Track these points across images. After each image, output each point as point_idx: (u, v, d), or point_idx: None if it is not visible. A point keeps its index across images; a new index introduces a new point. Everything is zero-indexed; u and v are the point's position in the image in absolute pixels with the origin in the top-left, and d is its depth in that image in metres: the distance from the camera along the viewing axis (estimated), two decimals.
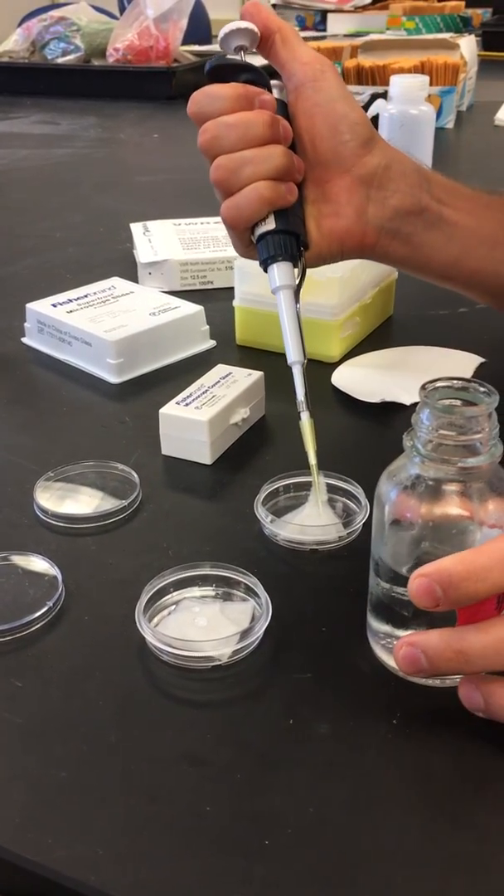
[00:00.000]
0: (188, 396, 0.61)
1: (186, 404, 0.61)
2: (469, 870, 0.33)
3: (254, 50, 0.56)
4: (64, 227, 1.18)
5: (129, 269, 0.94)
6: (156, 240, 0.96)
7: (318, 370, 0.72)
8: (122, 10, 2.56)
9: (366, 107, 1.29)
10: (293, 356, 0.52)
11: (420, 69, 1.69)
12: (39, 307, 0.78)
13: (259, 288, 0.74)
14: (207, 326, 0.78)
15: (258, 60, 0.57)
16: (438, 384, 0.40)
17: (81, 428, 0.66)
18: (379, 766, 0.37)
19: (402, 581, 0.38)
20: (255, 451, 0.62)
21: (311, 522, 0.52)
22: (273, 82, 0.56)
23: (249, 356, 0.76)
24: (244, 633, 0.43)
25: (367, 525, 0.49)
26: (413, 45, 1.92)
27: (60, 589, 0.48)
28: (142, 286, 0.86)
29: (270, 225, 0.53)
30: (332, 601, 0.47)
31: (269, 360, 0.70)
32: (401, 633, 0.40)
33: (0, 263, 1.03)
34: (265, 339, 0.75)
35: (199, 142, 0.53)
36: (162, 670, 0.43)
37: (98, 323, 0.74)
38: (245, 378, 0.64)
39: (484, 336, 0.77)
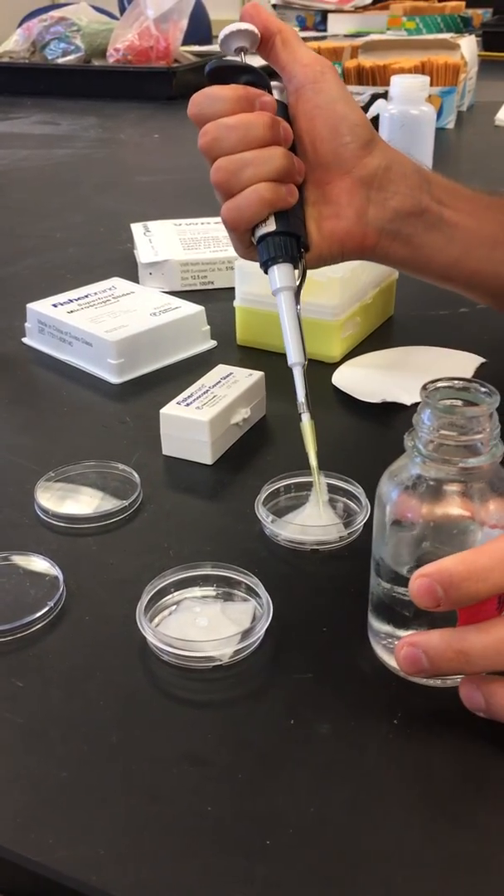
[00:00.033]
0: (189, 396, 0.61)
1: (187, 404, 0.61)
2: (469, 870, 0.33)
3: (254, 51, 0.56)
4: (64, 227, 1.18)
5: (129, 270, 0.94)
6: (156, 240, 0.96)
7: (319, 370, 0.72)
8: (123, 10, 2.57)
9: (366, 107, 1.29)
10: (294, 357, 0.52)
11: (420, 69, 1.69)
12: (40, 307, 0.78)
13: (260, 288, 0.74)
14: (208, 326, 0.78)
15: (258, 62, 0.57)
16: (439, 384, 0.40)
17: (82, 428, 0.66)
18: (380, 766, 0.37)
19: (403, 581, 0.38)
20: (255, 451, 0.62)
21: (312, 522, 0.52)
22: (273, 84, 0.56)
23: (250, 356, 0.76)
24: (245, 634, 0.43)
25: (368, 525, 0.49)
26: (413, 45, 1.92)
27: (61, 589, 0.48)
28: (142, 286, 0.86)
29: (271, 226, 0.53)
30: (333, 601, 0.47)
31: (269, 361, 0.70)
32: (402, 633, 0.41)
33: (1, 263, 1.03)
34: (266, 340, 0.75)
35: (200, 143, 0.53)
36: (163, 670, 0.43)
37: (99, 323, 0.74)
38: (246, 378, 0.64)
39: (484, 336, 0.77)
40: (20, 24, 2.48)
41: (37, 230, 1.17)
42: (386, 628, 0.42)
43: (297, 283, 0.54)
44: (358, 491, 0.54)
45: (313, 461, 0.50)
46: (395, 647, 0.39)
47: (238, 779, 0.37)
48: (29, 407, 0.71)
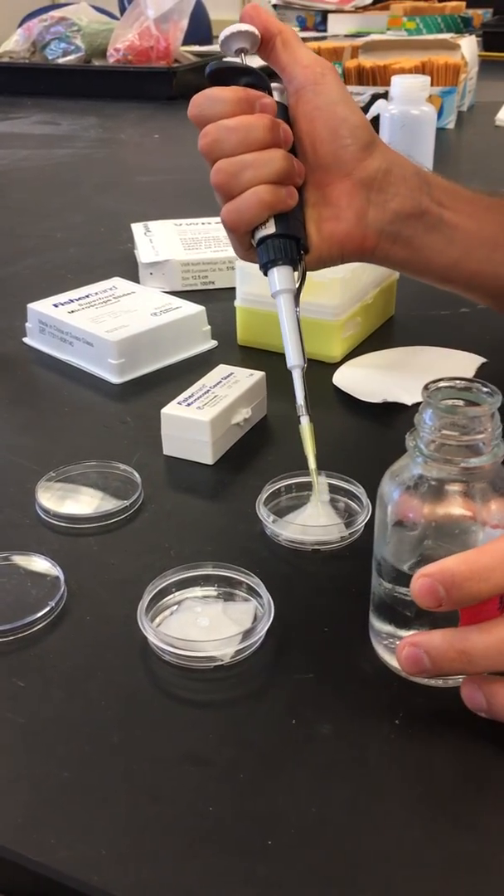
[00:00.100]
0: (190, 397, 0.61)
1: (188, 404, 0.61)
2: (470, 870, 0.33)
3: (254, 52, 0.56)
4: (65, 227, 1.18)
5: (130, 270, 0.94)
6: (157, 240, 0.96)
7: (320, 370, 0.72)
8: (123, 10, 2.57)
9: (367, 107, 1.29)
10: (293, 360, 0.52)
11: (421, 69, 1.69)
12: (41, 307, 0.78)
13: (260, 288, 0.74)
14: (209, 327, 0.78)
15: (258, 62, 0.57)
16: (441, 384, 0.40)
17: (83, 428, 0.66)
18: (381, 766, 0.37)
19: (405, 581, 0.38)
20: (256, 451, 0.62)
21: (313, 523, 0.52)
22: (273, 85, 0.56)
23: (251, 356, 0.76)
24: (246, 634, 0.43)
25: (369, 525, 0.49)
26: (414, 45, 1.92)
27: (62, 589, 0.48)
28: (143, 286, 0.86)
29: (271, 229, 0.53)
30: (335, 601, 0.47)
31: (270, 361, 0.70)
32: (403, 633, 0.40)
33: (1, 264, 1.03)
34: (266, 340, 0.75)
35: (200, 145, 0.53)
36: (164, 670, 0.43)
37: (99, 323, 0.74)
38: (247, 378, 0.64)
39: (485, 336, 0.77)
40: (20, 24, 2.48)
41: (37, 230, 1.17)
42: (387, 628, 0.42)
43: (297, 285, 0.54)
44: (359, 491, 0.54)
45: (312, 464, 0.50)
46: (396, 648, 0.39)
47: (239, 779, 0.37)
48: (30, 407, 0.71)
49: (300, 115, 0.55)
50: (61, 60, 2.28)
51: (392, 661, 0.42)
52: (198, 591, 0.48)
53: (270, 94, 0.55)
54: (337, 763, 0.37)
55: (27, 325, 0.80)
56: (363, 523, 0.52)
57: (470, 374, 0.71)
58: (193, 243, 0.95)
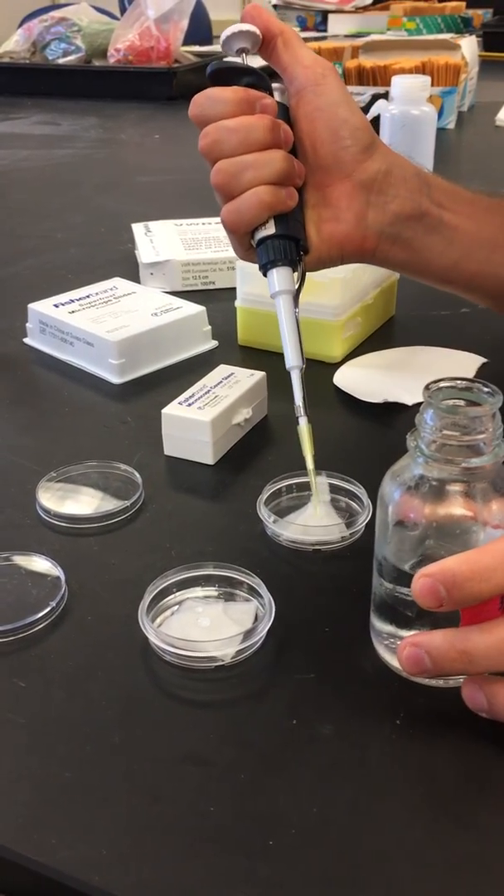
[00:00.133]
0: (190, 397, 0.62)
1: (189, 405, 0.61)
2: (472, 870, 0.33)
3: (255, 52, 0.56)
4: (65, 227, 1.18)
5: (130, 270, 0.94)
6: (157, 240, 0.96)
7: (321, 370, 0.72)
8: (123, 10, 2.57)
9: (367, 107, 1.29)
10: (292, 361, 0.51)
11: (421, 70, 1.69)
12: (41, 307, 0.78)
13: (261, 288, 0.74)
14: (209, 327, 0.78)
15: (259, 62, 0.57)
16: (442, 384, 0.40)
17: (84, 428, 0.66)
18: (382, 766, 0.37)
19: (406, 581, 0.38)
20: (257, 451, 0.62)
21: (314, 523, 0.52)
22: (274, 85, 0.56)
23: (251, 356, 0.76)
24: (247, 634, 0.43)
25: (370, 525, 0.49)
26: (414, 45, 1.92)
27: (63, 589, 0.48)
28: (143, 286, 0.86)
29: (270, 229, 0.53)
30: (335, 601, 0.47)
31: (271, 361, 0.70)
32: (404, 633, 0.40)
33: (1, 264, 1.03)
34: (267, 340, 0.75)
35: (201, 145, 0.53)
36: (165, 670, 0.43)
37: (100, 323, 0.74)
38: (247, 378, 0.64)
39: (486, 336, 0.77)
40: (21, 25, 2.48)
41: (37, 230, 1.17)
42: (388, 628, 0.42)
43: (297, 285, 0.54)
44: (360, 491, 0.54)
45: (310, 465, 0.50)
46: (397, 648, 0.39)
47: (240, 779, 0.37)
48: (30, 407, 0.71)
49: (301, 116, 0.55)
50: (62, 61, 2.28)
51: (393, 661, 0.42)
52: (199, 592, 0.48)
53: (271, 94, 0.55)
54: (338, 763, 0.37)
55: (28, 325, 0.80)
56: (364, 523, 0.52)
57: (470, 374, 0.71)
58: (194, 243, 0.95)
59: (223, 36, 0.55)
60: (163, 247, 0.94)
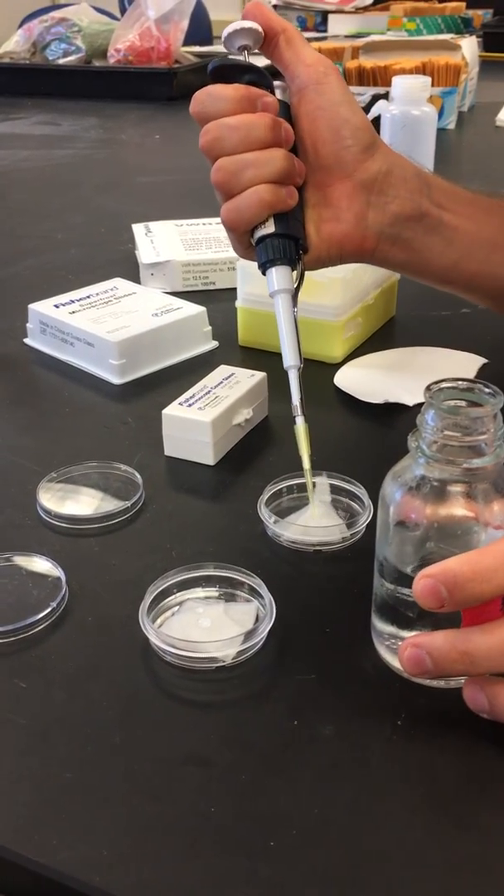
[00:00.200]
0: (191, 397, 0.61)
1: (189, 405, 0.61)
2: (473, 871, 0.33)
3: (257, 50, 0.56)
4: (65, 227, 1.18)
5: (131, 270, 0.94)
6: (158, 241, 0.96)
7: (321, 371, 0.72)
8: (123, 10, 2.57)
9: (367, 108, 1.29)
10: (289, 360, 0.51)
11: (421, 70, 1.69)
12: (42, 308, 0.78)
13: (261, 289, 0.73)
14: (210, 327, 0.78)
15: (262, 62, 0.57)
16: (443, 385, 0.40)
17: (84, 429, 0.66)
18: (383, 767, 0.37)
19: (407, 582, 0.38)
20: (258, 452, 0.62)
21: (315, 523, 0.52)
22: (276, 83, 0.56)
23: (252, 357, 0.76)
24: (248, 634, 0.43)
25: (371, 526, 0.49)
26: (414, 45, 1.92)
27: (64, 590, 0.48)
28: (144, 287, 0.86)
29: (270, 228, 0.53)
30: (336, 602, 0.47)
31: (271, 361, 0.70)
32: (405, 634, 0.40)
33: (1, 264, 1.03)
34: (267, 340, 0.75)
35: (201, 143, 0.53)
36: (166, 671, 0.43)
37: (100, 324, 0.74)
38: (248, 379, 0.64)
39: (486, 337, 0.77)
40: (21, 25, 2.48)
41: (38, 231, 1.17)
42: (389, 629, 0.42)
43: (295, 285, 0.54)
44: (360, 492, 0.54)
45: (307, 464, 0.50)
46: (398, 648, 0.39)
47: (241, 779, 0.37)
48: (31, 408, 0.71)
49: (302, 115, 0.55)
50: (62, 61, 2.28)
51: (394, 661, 0.42)
52: (199, 592, 0.48)
53: (273, 92, 0.55)
54: (339, 764, 0.37)
55: (28, 325, 0.80)
56: (365, 524, 0.52)
57: (471, 374, 0.71)
58: (194, 244, 0.95)
59: (225, 33, 0.55)
60: (163, 247, 0.94)
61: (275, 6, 2.90)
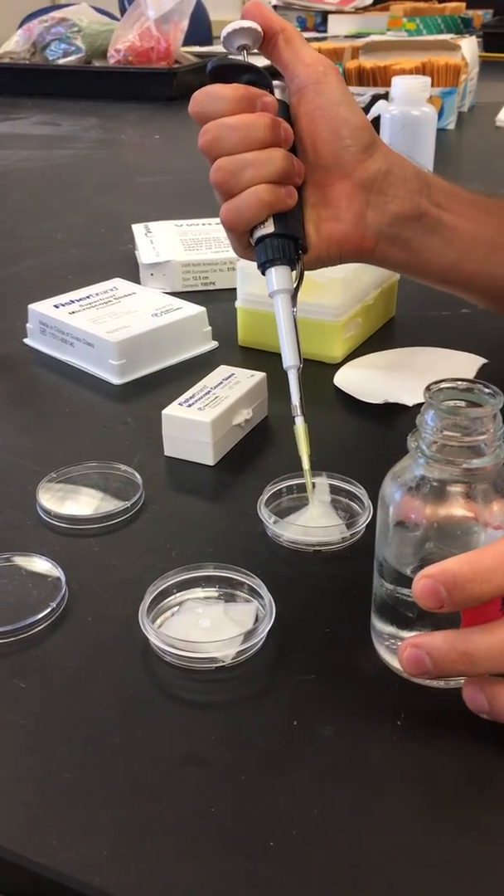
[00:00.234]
0: (191, 397, 0.61)
1: (189, 405, 0.61)
2: (473, 871, 0.33)
3: (256, 49, 0.56)
4: (65, 228, 1.18)
5: (130, 271, 0.94)
6: (158, 241, 0.96)
7: (321, 371, 0.72)
8: (123, 11, 2.57)
9: (367, 108, 1.29)
10: (289, 360, 0.51)
11: (421, 70, 1.69)
12: (41, 308, 0.78)
13: (261, 289, 0.73)
14: (210, 327, 0.78)
15: (262, 62, 0.57)
16: (443, 385, 0.40)
17: (84, 429, 0.66)
18: (383, 767, 0.37)
19: (407, 582, 0.38)
20: (257, 452, 0.62)
21: (315, 524, 0.52)
22: (275, 83, 0.56)
23: (252, 357, 0.76)
24: (248, 635, 0.43)
25: (371, 526, 0.49)
26: (414, 46, 1.92)
27: (63, 590, 0.48)
28: (144, 287, 0.86)
29: (269, 228, 0.53)
30: (336, 602, 0.47)
31: (271, 362, 0.70)
32: (405, 634, 0.40)
33: (2, 264, 1.03)
34: (267, 341, 0.75)
35: (200, 143, 0.53)
36: (165, 671, 0.43)
37: (100, 324, 0.74)
38: (248, 379, 0.64)
39: (486, 337, 0.77)
40: (21, 25, 2.48)
41: (38, 231, 1.17)
42: (389, 629, 0.42)
43: (295, 285, 0.54)
44: (360, 492, 0.54)
45: (306, 464, 0.50)
46: (398, 649, 0.39)
47: (240, 780, 0.37)
48: (30, 408, 0.71)
49: (301, 115, 0.55)
50: (62, 61, 2.28)
51: (394, 662, 0.42)
52: (199, 592, 0.48)
53: (272, 91, 0.55)
54: (338, 764, 0.37)
55: (28, 325, 0.80)
56: (364, 524, 0.52)
57: (471, 374, 0.71)
58: (194, 244, 0.95)
59: (224, 32, 0.55)
60: (163, 247, 0.94)
61: (275, 6, 2.90)
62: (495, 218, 0.60)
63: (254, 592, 0.47)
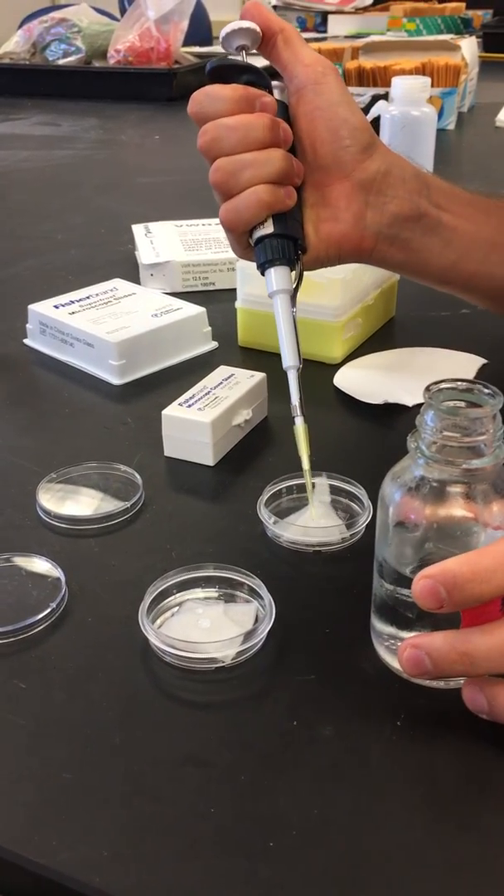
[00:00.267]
0: (191, 398, 0.61)
1: (189, 406, 0.61)
2: (473, 871, 0.33)
3: (255, 50, 0.56)
4: (65, 228, 1.18)
5: (130, 271, 0.94)
6: (157, 241, 0.96)
7: (321, 371, 0.72)
8: (123, 11, 2.57)
9: (367, 108, 1.29)
10: (288, 360, 0.51)
11: (421, 70, 1.69)
12: (41, 308, 0.78)
13: (261, 289, 0.73)
14: (209, 328, 0.78)
15: (261, 62, 0.57)
16: (443, 386, 0.40)
17: (84, 429, 0.66)
18: (383, 767, 0.37)
19: (406, 583, 0.38)
20: (257, 452, 0.62)
21: (314, 524, 0.52)
22: (274, 83, 0.56)
23: (251, 357, 0.76)
24: (247, 635, 0.43)
25: (371, 527, 0.49)
26: (414, 46, 1.92)
27: (63, 590, 0.48)
28: (144, 287, 0.86)
29: (269, 228, 0.53)
30: (336, 603, 0.47)
31: (271, 362, 0.70)
32: (405, 634, 0.40)
33: (2, 265, 1.03)
34: (267, 341, 0.75)
35: (199, 143, 0.53)
36: (165, 672, 0.43)
37: (100, 324, 0.74)
38: (247, 379, 0.64)
39: (486, 337, 0.77)
40: (21, 26, 2.48)
41: (38, 231, 1.17)
42: (389, 630, 0.42)
43: (294, 285, 0.54)
44: (360, 492, 0.54)
45: (306, 464, 0.50)
46: (397, 649, 0.39)
47: (240, 780, 0.37)
48: (30, 408, 0.71)
49: (300, 115, 0.55)
50: (62, 62, 2.28)
51: (393, 662, 0.42)
52: (199, 593, 0.48)
53: (271, 92, 0.55)
54: (338, 764, 0.37)
55: (28, 326, 0.80)
56: (364, 525, 0.52)
57: (470, 375, 0.71)
58: (194, 244, 0.95)
59: (222, 33, 0.55)
60: (163, 248, 0.94)
61: (274, 7, 2.91)
62: (494, 218, 0.60)
63: (254, 593, 0.47)
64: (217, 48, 2.52)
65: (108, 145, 1.73)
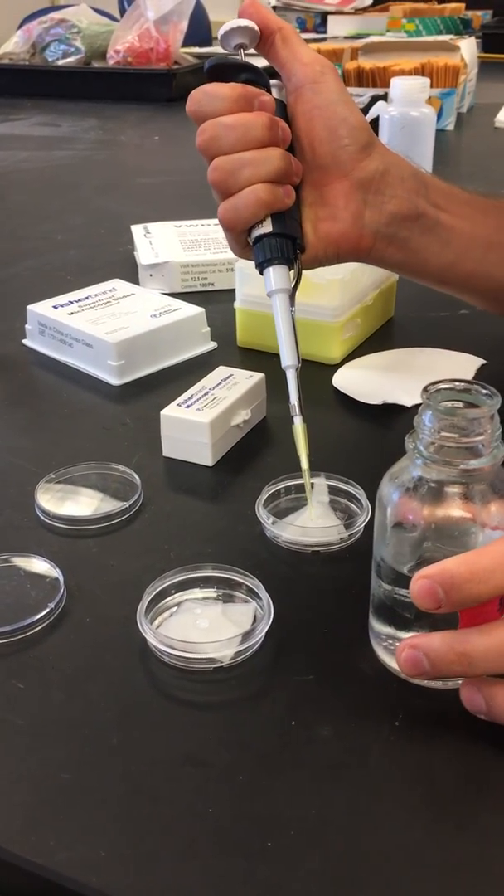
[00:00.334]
0: (189, 398, 0.61)
1: (188, 406, 0.61)
2: (472, 871, 0.33)
3: (253, 49, 0.56)
4: (65, 229, 1.18)
5: (129, 271, 0.94)
6: (157, 242, 0.96)
7: (319, 372, 0.72)
8: (123, 12, 2.57)
9: (366, 109, 1.29)
10: (287, 360, 0.51)
11: (420, 71, 1.69)
12: (40, 309, 0.78)
13: (260, 290, 0.73)
14: (208, 328, 0.78)
15: (261, 62, 0.57)
16: (441, 386, 0.40)
17: (83, 430, 0.66)
18: (381, 767, 0.37)
19: (405, 583, 0.38)
20: (256, 452, 0.62)
21: (313, 524, 0.52)
22: (272, 82, 0.56)
23: (250, 358, 0.76)
24: (246, 635, 0.43)
25: (369, 527, 0.49)
26: (413, 47, 1.92)
27: (62, 590, 0.48)
28: (143, 288, 0.86)
29: (267, 228, 0.53)
30: (334, 603, 0.47)
31: (270, 362, 0.70)
32: (403, 634, 0.40)
33: (1, 265, 1.03)
34: (266, 341, 0.75)
35: (198, 142, 0.53)
36: (163, 672, 0.43)
37: (99, 325, 0.74)
38: (246, 380, 0.64)
39: (485, 338, 0.78)
40: (20, 26, 2.48)
41: (37, 232, 1.17)
42: (387, 630, 0.42)
43: (293, 284, 0.54)
44: (358, 492, 0.54)
45: (305, 464, 0.50)
46: (396, 649, 0.39)
47: (238, 780, 0.37)
48: (29, 408, 0.71)
49: (299, 114, 0.55)
50: (61, 62, 2.28)
51: (392, 662, 0.42)
52: (197, 593, 0.48)
53: (269, 91, 0.55)
54: (337, 764, 0.37)
55: (27, 326, 0.80)
56: (363, 525, 0.52)
57: (469, 375, 0.71)
58: (193, 245, 0.95)
59: (221, 31, 0.55)
60: (162, 248, 0.94)
61: (274, 7, 2.91)
62: (492, 218, 0.60)
63: (252, 593, 0.47)
64: (217, 49, 2.52)
65: (108, 146, 1.73)
